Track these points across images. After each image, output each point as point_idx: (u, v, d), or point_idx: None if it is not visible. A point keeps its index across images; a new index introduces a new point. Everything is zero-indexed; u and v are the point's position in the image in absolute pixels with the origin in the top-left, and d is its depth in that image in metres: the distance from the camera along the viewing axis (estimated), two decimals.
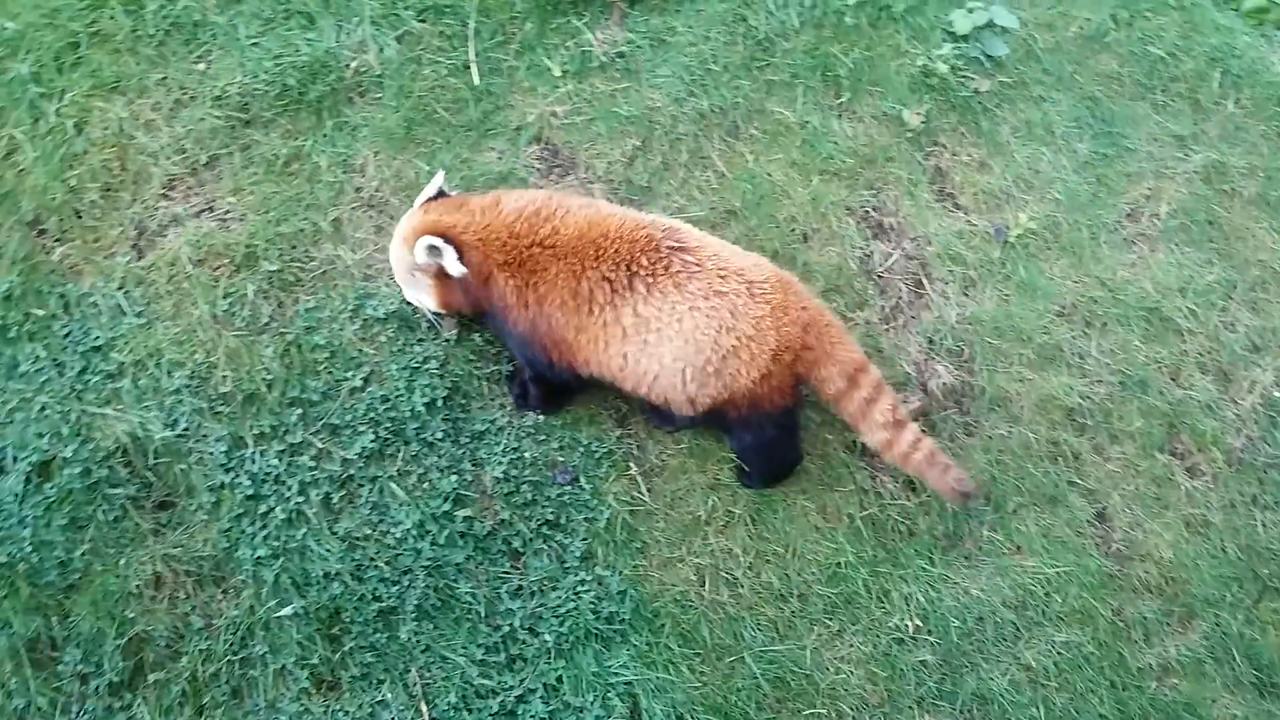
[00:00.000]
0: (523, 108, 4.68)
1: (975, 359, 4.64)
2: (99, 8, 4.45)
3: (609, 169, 4.64)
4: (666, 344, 3.86)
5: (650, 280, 3.83)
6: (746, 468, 4.25)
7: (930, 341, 4.64)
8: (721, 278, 3.84)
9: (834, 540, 4.26)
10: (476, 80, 4.66)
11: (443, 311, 4.11)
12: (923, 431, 4.08)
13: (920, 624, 4.22)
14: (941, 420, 4.52)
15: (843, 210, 4.77)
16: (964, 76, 5.02)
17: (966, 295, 4.75)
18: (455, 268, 3.89)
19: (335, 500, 3.99)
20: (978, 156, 4.98)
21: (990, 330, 4.69)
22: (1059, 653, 4.27)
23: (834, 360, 3.98)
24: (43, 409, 3.90)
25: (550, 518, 4.12)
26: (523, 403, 4.25)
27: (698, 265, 3.84)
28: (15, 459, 3.84)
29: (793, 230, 4.68)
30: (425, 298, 4.05)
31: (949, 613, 4.24)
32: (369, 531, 3.98)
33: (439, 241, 3.85)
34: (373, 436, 4.07)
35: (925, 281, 4.74)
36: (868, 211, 4.81)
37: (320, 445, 4.05)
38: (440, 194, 4.06)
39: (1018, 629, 4.28)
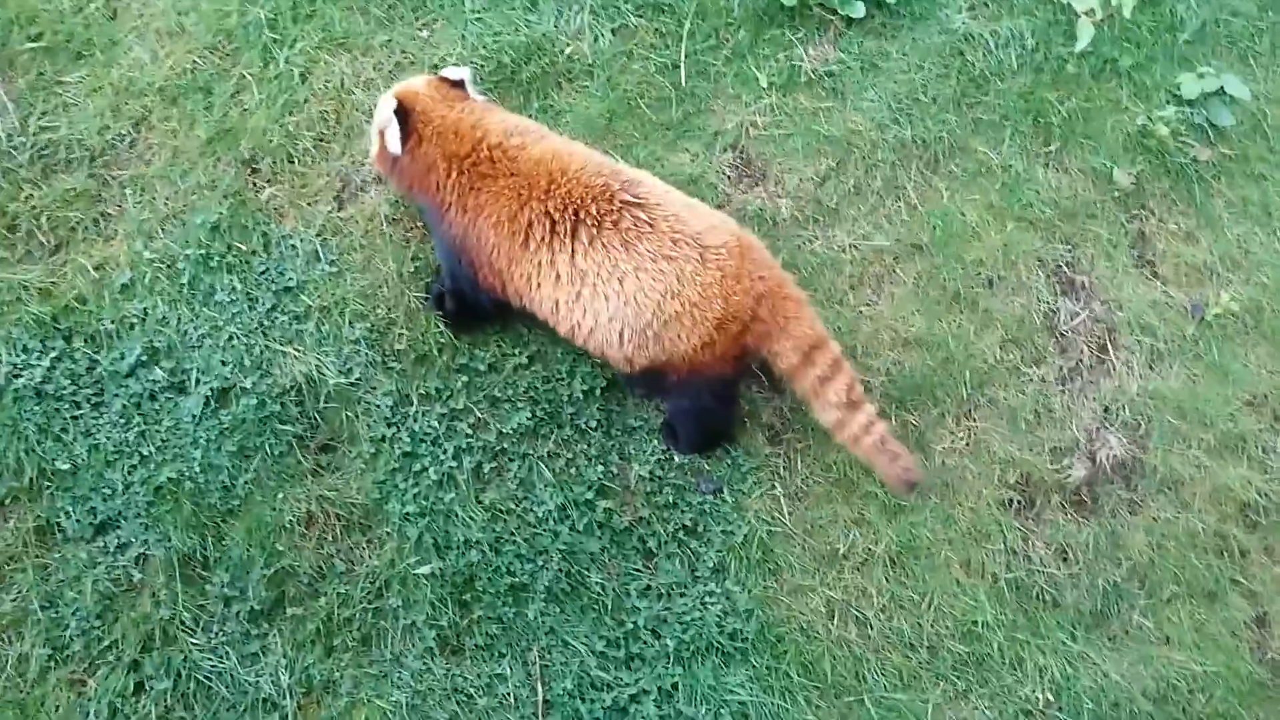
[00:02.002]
0: (723, 114, 4.68)
1: (1151, 436, 4.44)
2: None
3: (799, 185, 4.61)
4: (602, 301, 3.73)
5: (594, 231, 3.68)
6: (676, 430, 4.15)
7: (1106, 410, 4.47)
8: (674, 241, 3.67)
9: (974, 597, 4.14)
10: (683, 81, 4.68)
11: (378, 169, 4.05)
12: (877, 416, 3.94)
13: (1052, 699, 4.07)
14: (1105, 494, 4.34)
15: (1034, 261, 4.62)
16: (1184, 142, 4.79)
17: (1151, 368, 4.55)
18: (394, 145, 3.85)
19: (485, 470, 4.08)
20: (1186, 227, 4.76)
21: (1172, 408, 4.48)
22: None
23: (788, 335, 3.81)
24: (230, 339, 4.10)
25: (688, 524, 4.12)
26: (437, 305, 4.18)
27: (650, 225, 3.67)
28: (198, 381, 4.04)
29: (979, 274, 4.56)
30: (370, 145, 4.02)
31: (1084, 693, 4.08)
32: (512, 506, 4.06)
33: (392, 113, 3.81)
34: (529, 414, 4.15)
35: (1110, 347, 4.56)
36: (1060, 266, 4.65)
37: (479, 414, 4.15)
38: (459, 84, 3.97)
39: None
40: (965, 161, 4.74)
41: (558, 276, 3.74)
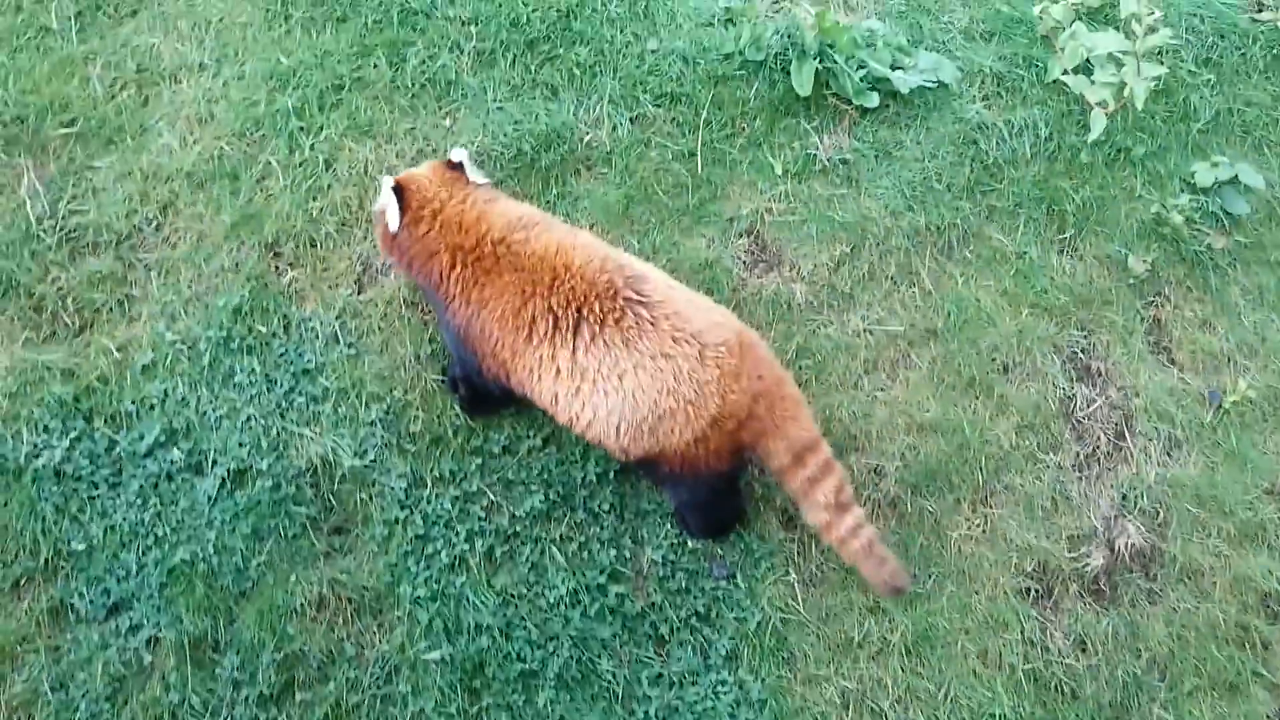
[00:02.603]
0: (739, 200, 4.74)
1: (1170, 524, 4.40)
2: (366, 55, 4.76)
3: (814, 270, 4.64)
4: (601, 397, 3.73)
5: (597, 329, 3.70)
6: (685, 519, 4.17)
7: (1124, 498, 4.43)
8: (674, 339, 3.68)
9: (991, 689, 4.08)
10: (699, 168, 4.76)
11: (382, 252, 4.13)
12: (865, 519, 3.91)
13: None
14: (1124, 583, 4.29)
15: (1049, 347, 4.62)
16: (1198, 230, 4.82)
17: (1169, 456, 4.51)
18: (392, 221, 3.90)
19: (498, 554, 4.08)
20: (1201, 314, 4.76)
21: (1190, 497, 4.44)
22: None
23: (782, 435, 3.80)
24: (248, 420, 4.15)
25: (701, 610, 4.09)
26: (453, 389, 4.22)
27: (651, 322, 3.68)
28: (215, 462, 4.08)
29: (994, 360, 4.57)
30: (375, 229, 4.11)
31: None
32: (524, 590, 4.05)
33: (391, 190, 3.88)
34: (543, 497, 4.15)
35: (1127, 434, 4.53)
36: (1075, 353, 4.65)
37: (493, 497, 4.16)
38: (459, 166, 4.00)
39: None
40: (979, 248, 4.77)
41: (558, 371, 3.76)
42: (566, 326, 3.73)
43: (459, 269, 3.85)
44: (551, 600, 4.04)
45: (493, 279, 3.81)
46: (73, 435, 4.06)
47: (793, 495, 3.95)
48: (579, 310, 3.72)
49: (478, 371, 3.97)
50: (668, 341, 3.70)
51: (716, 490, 4.02)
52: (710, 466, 3.85)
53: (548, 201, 4.60)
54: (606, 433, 3.82)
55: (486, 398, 4.14)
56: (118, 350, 4.21)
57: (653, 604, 4.09)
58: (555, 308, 3.74)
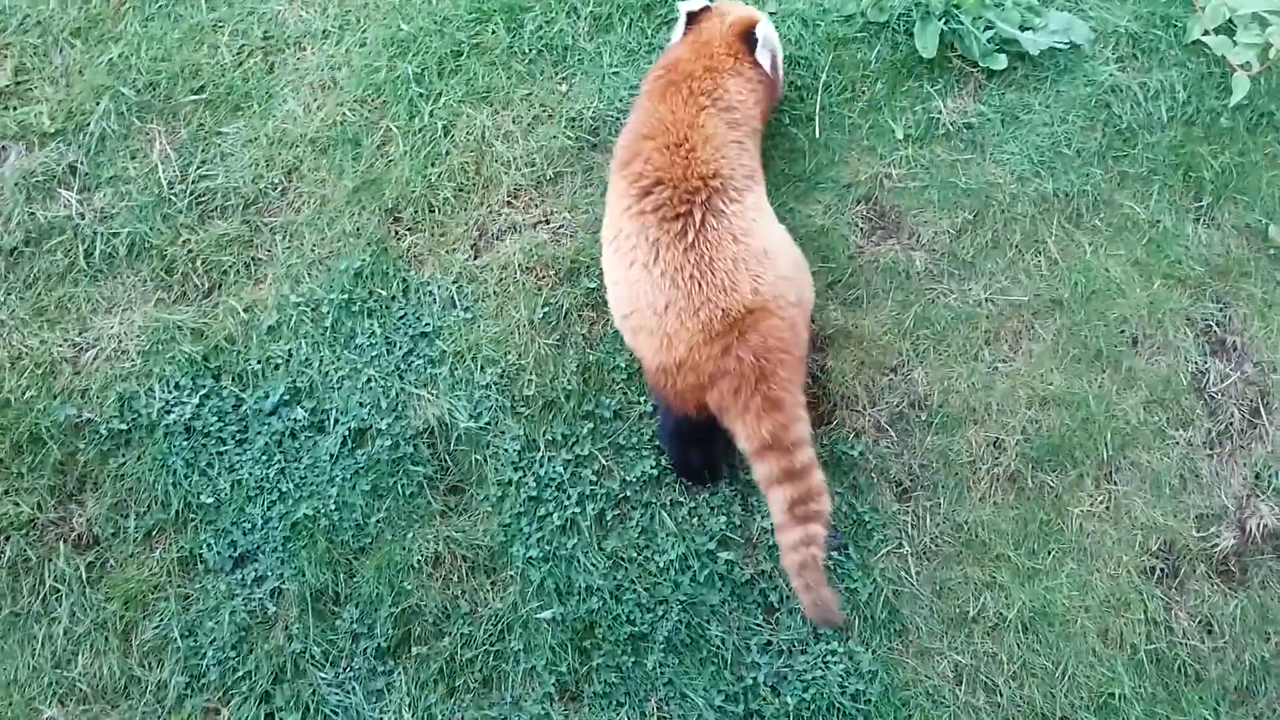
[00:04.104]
0: (857, 165, 4.65)
1: None
2: (484, 21, 4.78)
3: (935, 238, 4.53)
4: (625, 266, 3.74)
5: (668, 214, 3.71)
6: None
7: (1257, 477, 4.25)
8: (694, 272, 3.62)
9: (1111, 668, 3.97)
10: (818, 133, 4.67)
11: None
12: (819, 542, 3.58)
13: None
14: (1255, 564, 4.12)
15: (1182, 319, 4.44)
16: None
17: None
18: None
19: (608, 518, 4.11)
20: None
21: None
22: None
23: (744, 423, 3.62)
24: (369, 381, 4.24)
25: None
26: None
27: (692, 246, 3.65)
28: (337, 421, 4.19)
29: (1122, 332, 4.41)
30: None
31: None
32: (634, 554, 4.07)
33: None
34: (653, 463, 4.16)
35: (1263, 411, 4.34)
36: (1210, 326, 4.46)
37: (604, 461, 4.18)
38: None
39: None
40: (1110, 216, 4.59)
41: (621, 230, 3.83)
42: (655, 201, 3.75)
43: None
44: (661, 565, 4.05)
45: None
46: (202, 393, 4.21)
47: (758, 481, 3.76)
48: (671, 189, 3.74)
49: None
50: (688, 269, 3.63)
51: (680, 430, 3.95)
52: (672, 403, 3.79)
53: None
54: (611, 300, 3.88)
55: None
56: (244, 311, 4.34)
57: (762, 572, 4.07)
58: (671, 183, 3.76)
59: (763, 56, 4.15)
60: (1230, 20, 4.59)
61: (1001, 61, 4.71)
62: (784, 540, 3.61)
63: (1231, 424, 4.33)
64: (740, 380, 3.62)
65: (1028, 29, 4.76)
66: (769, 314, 3.65)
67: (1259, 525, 4.18)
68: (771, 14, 4.81)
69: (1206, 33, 4.65)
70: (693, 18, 4.22)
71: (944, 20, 4.69)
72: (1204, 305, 4.47)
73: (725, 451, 4.02)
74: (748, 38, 4.12)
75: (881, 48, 4.78)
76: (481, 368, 4.27)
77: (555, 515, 4.09)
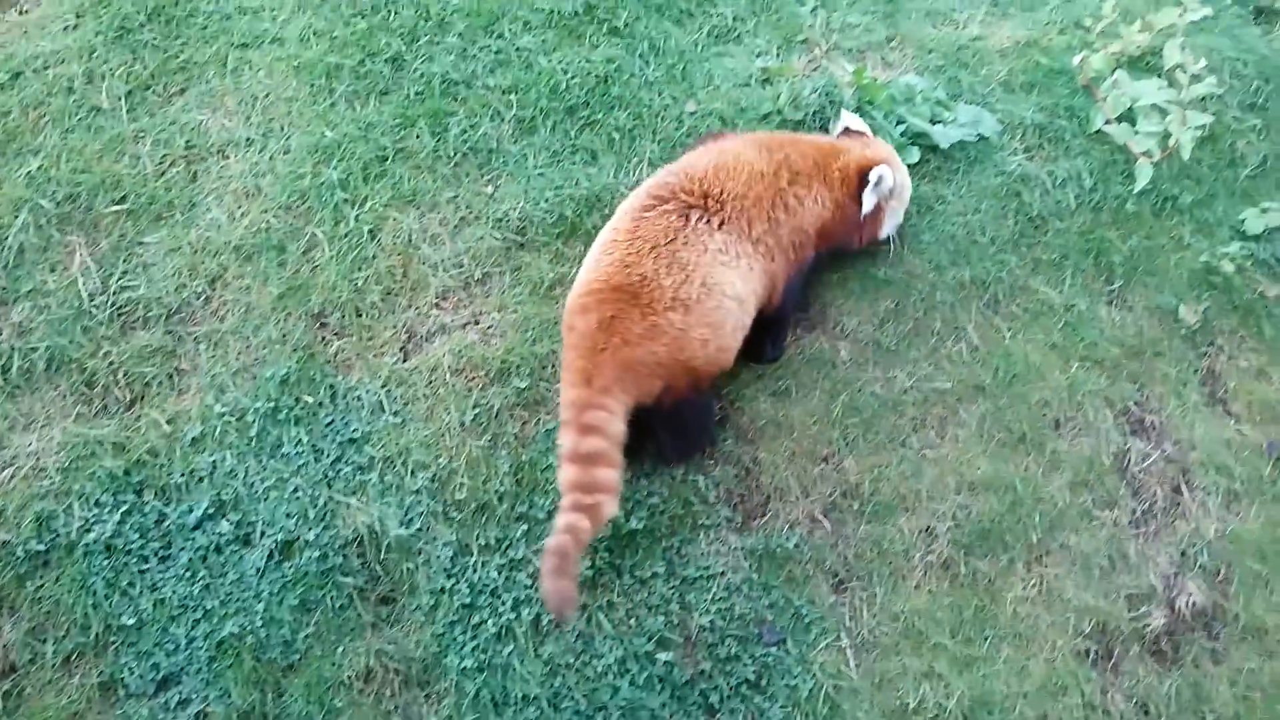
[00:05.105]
0: None
1: (1232, 581, 4.28)
2: (409, 126, 4.83)
3: (858, 327, 4.61)
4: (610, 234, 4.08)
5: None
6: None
7: (1183, 555, 4.32)
8: (602, 251, 3.98)
9: None
10: None
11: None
12: (574, 532, 3.67)
13: None
14: (1186, 642, 4.17)
15: (1101, 401, 4.54)
16: (1251, 278, 4.73)
17: (1229, 510, 4.41)
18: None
19: (544, 623, 4.05)
20: (1257, 363, 4.66)
21: (1252, 552, 4.32)
22: None
23: (561, 391, 3.92)
24: (296, 490, 4.17)
25: (751, 678, 4.03)
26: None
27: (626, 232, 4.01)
28: (263, 534, 4.10)
29: (1044, 415, 4.49)
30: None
31: None
32: (571, 660, 4.01)
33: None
34: (589, 564, 4.12)
35: (1184, 489, 4.44)
36: (1128, 406, 4.56)
37: (539, 564, 4.13)
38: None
39: None
40: (1026, 301, 4.71)
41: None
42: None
43: None
44: (599, 669, 3.99)
45: None
46: (123, 509, 4.10)
47: None
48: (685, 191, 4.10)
49: None
50: (603, 243, 4.04)
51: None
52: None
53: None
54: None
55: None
56: (167, 423, 4.27)
57: (702, 671, 4.04)
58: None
59: (868, 200, 4.34)
60: (1131, 110, 4.79)
61: (914, 154, 4.86)
62: (556, 521, 3.72)
63: (1155, 503, 4.42)
64: (576, 343, 3.85)
65: (938, 122, 4.93)
66: (639, 305, 3.85)
67: (1188, 603, 4.25)
68: (690, 113, 4.93)
69: (1109, 122, 4.84)
70: (847, 131, 4.54)
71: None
72: (1121, 386, 4.58)
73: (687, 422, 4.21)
74: (865, 175, 4.30)
75: None
76: (412, 472, 4.22)
77: (490, 623, 4.02)
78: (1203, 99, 4.75)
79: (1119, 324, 4.69)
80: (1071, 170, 4.93)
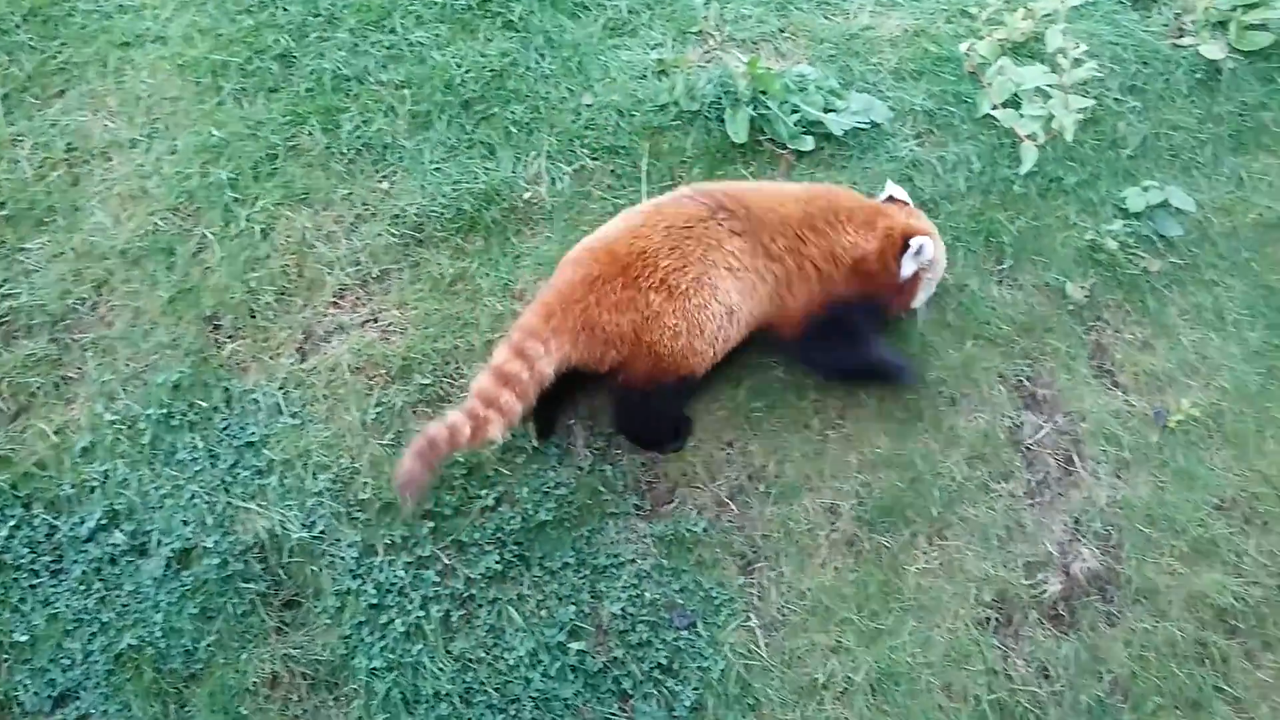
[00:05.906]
0: None
1: (1124, 546, 4.41)
2: (299, 124, 4.76)
3: None
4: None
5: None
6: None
7: (1077, 522, 4.45)
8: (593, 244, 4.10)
9: None
10: None
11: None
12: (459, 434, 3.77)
13: None
14: (1082, 607, 4.30)
15: (995, 377, 4.66)
16: (1133, 254, 4.89)
17: (1119, 478, 4.54)
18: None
19: (454, 619, 4.03)
20: (1142, 336, 4.82)
21: (1142, 517, 4.46)
22: None
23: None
24: (192, 497, 4.08)
25: (663, 662, 4.05)
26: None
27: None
28: (160, 543, 4.01)
29: (941, 393, 4.59)
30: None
31: None
32: (483, 654, 3.99)
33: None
34: (498, 558, 4.11)
35: (1076, 459, 4.56)
36: (1021, 381, 4.68)
37: (446, 561, 4.11)
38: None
39: None
40: None
41: None
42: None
43: None
44: (511, 662, 3.98)
45: None
46: (11, 523, 3.98)
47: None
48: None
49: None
50: (629, 210, 4.25)
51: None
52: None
53: (490, 259, 4.61)
54: None
55: None
56: (55, 434, 4.14)
57: (614, 659, 4.04)
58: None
59: (906, 266, 4.35)
60: (1016, 95, 4.92)
61: (809, 143, 4.93)
62: (445, 414, 3.82)
63: (1049, 473, 4.54)
64: (556, 284, 4.01)
65: (831, 111, 5.00)
66: (625, 275, 3.95)
67: (1082, 569, 4.37)
68: (587, 105, 4.94)
69: (995, 107, 4.97)
70: (891, 199, 4.55)
71: (752, 106, 4.89)
72: (1014, 362, 4.70)
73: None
74: (908, 240, 4.31)
75: (696, 134, 4.94)
76: (313, 474, 4.16)
77: (398, 622, 3.98)
78: (1084, 83, 4.89)
79: (1010, 302, 4.81)
80: (961, 154, 5.04)
